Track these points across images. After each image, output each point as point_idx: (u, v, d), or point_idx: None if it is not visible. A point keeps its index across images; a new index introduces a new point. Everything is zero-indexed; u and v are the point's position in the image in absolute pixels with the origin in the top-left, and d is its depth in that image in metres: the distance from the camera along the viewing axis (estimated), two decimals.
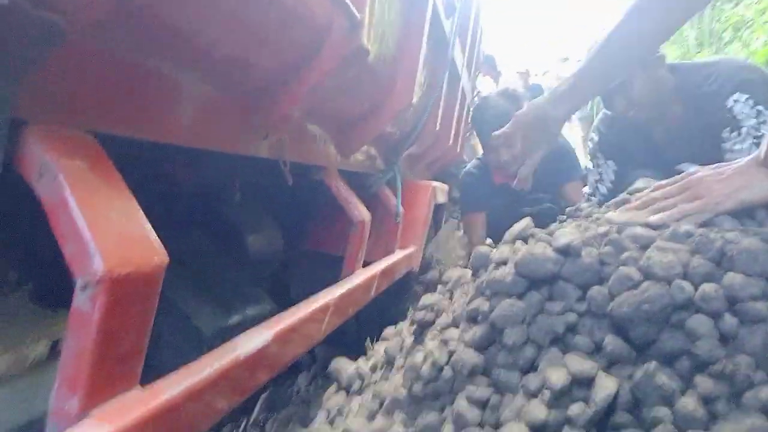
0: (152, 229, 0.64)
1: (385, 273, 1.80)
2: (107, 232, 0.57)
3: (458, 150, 3.42)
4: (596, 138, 2.25)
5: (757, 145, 1.69)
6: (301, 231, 1.98)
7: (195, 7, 0.71)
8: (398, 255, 2.06)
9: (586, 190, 2.39)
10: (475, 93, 4.05)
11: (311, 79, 1.02)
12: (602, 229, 0.68)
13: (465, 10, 2.69)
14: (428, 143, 2.53)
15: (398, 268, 2.03)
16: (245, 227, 1.66)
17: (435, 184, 2.66)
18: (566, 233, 0.66)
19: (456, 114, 2.91)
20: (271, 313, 1.48)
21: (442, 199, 2.90)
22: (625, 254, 0.61)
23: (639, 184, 1.15)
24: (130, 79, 0.71)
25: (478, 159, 3.17)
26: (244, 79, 0.95)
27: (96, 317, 0.56)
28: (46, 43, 0.50)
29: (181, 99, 0.82)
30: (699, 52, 3.81)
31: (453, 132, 2.92)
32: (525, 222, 0.80)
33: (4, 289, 1.01)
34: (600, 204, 1.12)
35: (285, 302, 1.82)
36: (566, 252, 0.64)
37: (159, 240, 0.64)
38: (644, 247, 0.63)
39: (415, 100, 1.66)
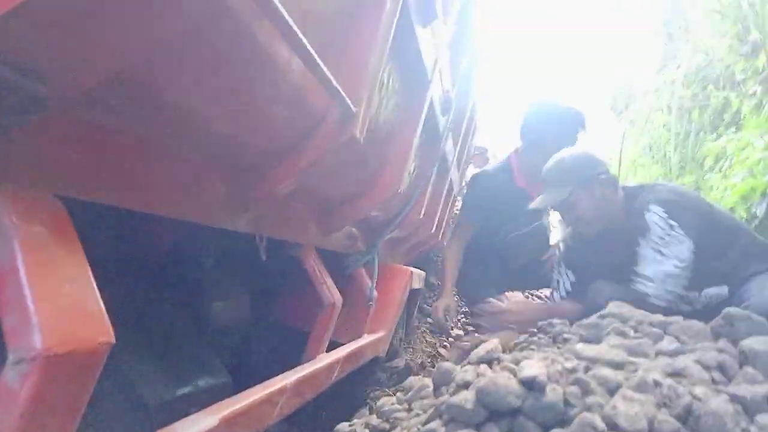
0: (102, 306, 0.60)
1: (349, 357, 1.75)
2: (53, 306, 0.54)
3: (440, 238, 3.43)
4: (562, 248, 2.38)
5: (658, 253, 1.86)
6: (269, 303, 1.93)
7: (194, 84, 0.71)
8: (366, 340, 2.01)
9: (546, 293, 2.46)
10: (463, 183, 4.13)
11: (301, 163, 1.02)
12: (569, 365, 0.66)
13: (461, 107, 2.78)
14: (411, 229, 2.53)
15: (364, 353, 1.97)
16: (213, 293, 1.61)
17: (412, 270, 2.64)
18: (532, 365, 0.64)
19: (442, 203, 2.94)
20: (226, 387, 1.42)
21: (417, 285, 2.87)
22: (591, 398, 0.59)
23: (612, 308, 1.15)
24: (112, 145, 0.70)
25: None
26: (234, 156, 0.95)
27: (23, 396, 0.51)
28: (25, 111, 0.49)
29: (165, 169, 0.81)
30: (680, 175, 3.96)
31: (437, 220, 2.94)
32: (492, 344, 0.77)
33: None
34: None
35: (245, 374, 1.75)
36: (531, 385, 0.61)
37: (107, 317, 0.61)
38: (611, 392, 0.60)
39: (402, 189, 1.67)
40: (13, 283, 0.53)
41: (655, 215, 1.93)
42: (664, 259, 1.86)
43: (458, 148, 3.02)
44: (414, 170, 2.02)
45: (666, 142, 3.78)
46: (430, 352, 3.12)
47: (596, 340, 0.97)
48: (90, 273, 0.60)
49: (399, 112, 1.52)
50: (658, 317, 1.06)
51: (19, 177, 0.57)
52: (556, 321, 1.11)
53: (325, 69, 0.80)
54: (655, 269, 1.86)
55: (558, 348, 0.97)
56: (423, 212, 2.37)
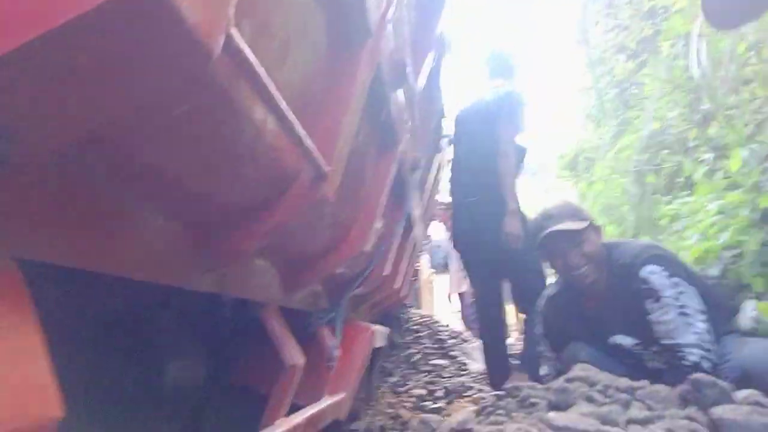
0: (53, 378, 0.56)
1: (310, 421, 1.67)
2: (2, 379, 0.49)
3: (403, 294, 3.41)
4: (541, 322, 2.32)
5: (683, 314, 1.77)
6: (226, 363, 1.86)
7: (166, 142, 0.69)
8: (326, 402, 1.93)
9: (543, 372, 2.35)
10: (426, 240, 4.15)
11: (271, 222, 1.00)
12: None
13: (427, 164, 2.82)
14: (375, 286, 2.50)
15: (325, 416, 1.89)
16: (168, 353, 1.54)
17: (375, 327, 2.59)
18: None
19: (406, 260, 2.93)
20: None
21: (380, 343, 2.82)
22: None
23: (578, 372, 1.14)
24: (75, 203, 0.66)
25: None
26: (202, 214, 0.92)
27: None
28: None
29: (130, 230, 0.78)
30: (636, 235, 4.08)
31: (402, 277, 2.92)
32: (465, 414, 0.75)
33: None
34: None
35: None
36: None
37: (58, 390, 0.56)
38: None
39: (369, 247, 1.66)
40: None
41: (655, 275, 1.87)
42: (691, 319, 1.77)
43: (423, 204, 3.04)
44: (380, 228, 2.02)
45: (622, 203, 3.92)
46: (392, 413, 3.04)
47: (565, 406, 0.96)
48: (42, 342, 0.56)
49: (368, 170, 1.53)
50: (625, 381, 1.05)
51: None
52: (522, 384, 1.10)
53: (300, 129, 0.79)
54: (694, 334, 1.75)
55: (527, 413, 0.95)
56: (388, 269, 2.35)
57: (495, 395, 1.14)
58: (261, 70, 0.59)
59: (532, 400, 0.97)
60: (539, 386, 1.11)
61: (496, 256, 3.02)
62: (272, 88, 0.64)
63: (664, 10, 4.61)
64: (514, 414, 0.91)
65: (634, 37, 5.44)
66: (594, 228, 2.12)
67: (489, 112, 2.98)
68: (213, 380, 1.73)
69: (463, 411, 0.77)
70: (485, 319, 3.30)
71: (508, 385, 1.10)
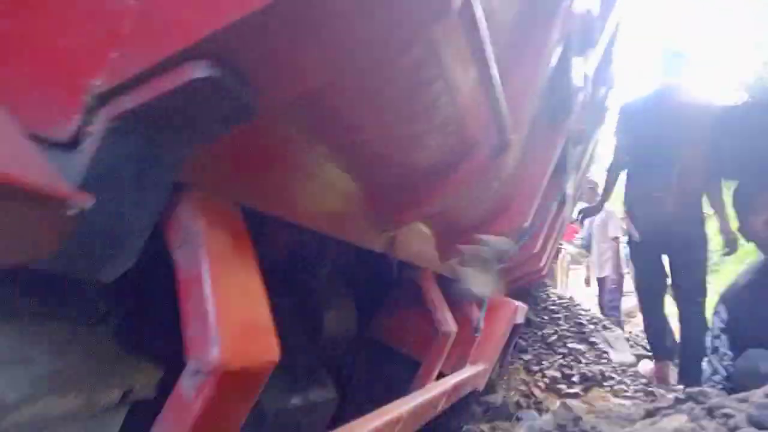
0: (271, 322, 0.59)
1: (455, 389, 1.69)
2: (232, 319, 0.53)
3: (544, 273, 3.30)
4: (723, 314, 2.05)
5: None
6: (376, 321, 1.92)
7: (368, 106, 0.70)
8: (469, 371, 1.94)
9: (706, 368, 2.10)
10: (575, 217, 3.97)
11: (447, 189, 0.98)
12: None
13: (589, 139, 2.66)
14: (521, 261, 2.44)
15: (466, 385, 1.90)
16: (326, 304, 1.61)
17: (518, 303, 2.54)
18: None
19: (554, 238, 2.82)
20: (332, 402, 1.40)
21: (520, 319, 2.76)
22: None
23: None
24: (289, 160, 0.69)
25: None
26: (384, 177, 0.93)
27: (197, 408, 0.51)
28: (233, 119, 0.48)
29: (323, 186, 0.80)
30: None
31: (547, 254, 2.82)
32: None
33: (91, 320, 0.99)
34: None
35: (348, 391, 1.73)
36: None
37: (275, 335, 0.59)
38: None
39: (527, 224, 1.60)
40: (197, 292, 0.52)
41: None
42: None
43: (576, 183, 2.89)
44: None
45: None
46: (525, 390, 2.98)
47: None
48: (263, 287, 0.60)
49: (537, 141, 1.46)
50: None
51: (209, 184, 0.58)
52: (708, 390, 0.99)
53: (501, 93, 0.76)
54: None
55: (720, 425, 0.86)
56: (538, 246, 2.27)
57: (675, 397, 1.04)
58: (485, 31, 0.57)
59: (726, 411, 0.87)
60: (725, 394, 1.00)
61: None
62: (489, 52, 0.61)
63: None
64: (703, 422, 0.82)
65: None
66: None
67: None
68: (364, 337, 1.79)
69: (674, 417, 0.71)
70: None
71: (694, 389, 1.00)
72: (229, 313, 0.53)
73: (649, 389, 3.12)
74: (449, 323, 1.47)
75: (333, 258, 1.59)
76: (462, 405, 2.22)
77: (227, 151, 0.59)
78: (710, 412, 0.93)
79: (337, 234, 0.91)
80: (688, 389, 1.01)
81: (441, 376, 1.73)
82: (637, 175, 3.34)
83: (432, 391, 1.41)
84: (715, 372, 1.95)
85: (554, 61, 1.04)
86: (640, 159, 3.27)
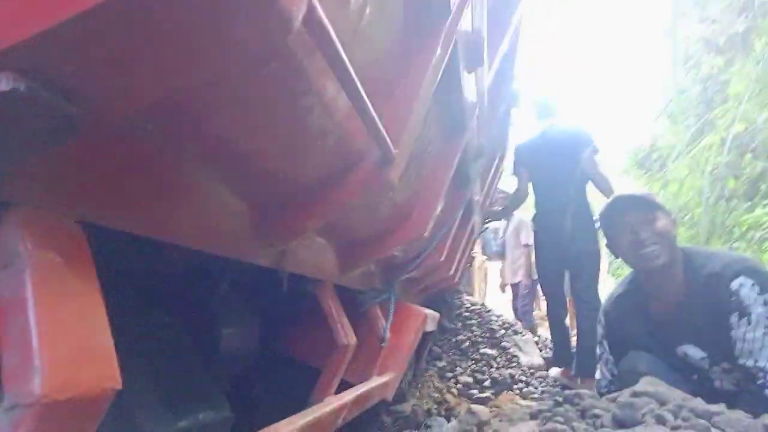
0: (111, 346, 0.55)
1: (358, 400, 1.67)
2: (61, 346, 0.49)
3: (456, 280, 3.37)
4: (603, 322, 2.18)
5: None
6: (278, 334, 1.88)
7: (237, 115, 0.68)
8: (375, 382, 1.93)
9: (598, 375, 2.22)
10: (483, 227, 4.09)
11: (332, 202, 0.98)
12: None
13: (491, 151, 2.75)
14: (429, 271, 2.47)
15: (372, 396, 1.89)
16: (223, 320, 1.56)
17: (427, 312, 2.57)
18: None
19: (462, 247, 2.88)
20: (226, 423, 1.35)
21: (431, 327, 2.79)
22: None
23: (646, 386, 1.08)
24: (142, 171, 0.66)
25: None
26: (266, 190, 0.91)
27: None
28: (56, 135, 0.45)
29: (195, 200, 0.77)
30: (708, 240, 3.86)
31: (456, 263, 2.87)
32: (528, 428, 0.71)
33: None
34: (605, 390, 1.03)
35: (247, 407, 1.67)
36: None
37: (116, 359, 0.56)
38: None
39: (427, 233, 1.62)
40: (19, 319, 0.48)
41: (746, 289, 1.71)
42: None
43: (483, 192, 2.98)
44: (439, 213, 1.98)
45: (696, 205, 3.70)
46: (437, 398, 3.02)
47: (631, 423, 0.90)
48: (103, 309, 0.56)
49: (433, 154, 1.49)
50: (700, 403, 0.98)
51: (40, 198, 0.53)
52: (584, 392, 1.04)
53: (371, 110, 0.76)
54: None
55: (588, 425, 0.90)
56: (444, 255, 2.31)
57: (554, 400, 1.09)
58: (338, 46, 0.56)
59: (596, 411, 0.91)
60: (598, 396, 1.05)
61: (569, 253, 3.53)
62: (347, 65, 0.60)
63: (762, 5, 4.28)
64: (575, 424, 0.86)
65: (723, 31, 5.09)
66: (668, 214, 1.93)
67: (577, 142, 3.53)
68: (264, 351, 1.75)
69: (525, 424, 0.73)
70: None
71: (571, 391, 1.04)
72: (58, 339, 0.49)
73: (555, 389, 3.25)
74: (347, 335, 1.46)
75: (234, 273, 1.54)
76: (371, 416, 2.22)
77: (67, 165, 0.55)
78: (583, 414, 0.98)
79: (214, 249, 0.88)
80: (567, 391, 1.06)
81: (349, 386, 1.71)
82: (540, 197, 3.85)
83: (330, 405, 1.39)
84: (603, 377, 2.07)
85: (439, 76, 1.06)
86: (538, 187, 3.78)
